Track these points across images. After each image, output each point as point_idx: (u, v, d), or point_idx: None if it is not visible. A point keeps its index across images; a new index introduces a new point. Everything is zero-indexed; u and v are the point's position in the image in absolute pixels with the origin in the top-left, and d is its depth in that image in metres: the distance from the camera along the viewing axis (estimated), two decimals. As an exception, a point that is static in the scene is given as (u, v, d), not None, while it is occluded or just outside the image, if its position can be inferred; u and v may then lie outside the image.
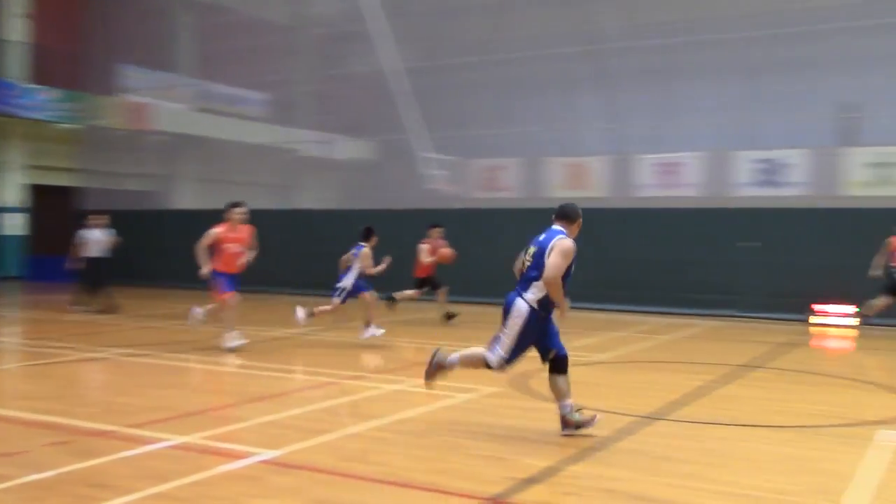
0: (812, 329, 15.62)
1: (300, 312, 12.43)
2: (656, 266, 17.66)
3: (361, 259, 12.21)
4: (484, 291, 19.30)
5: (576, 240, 6.88)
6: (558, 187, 20.57)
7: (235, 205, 11.52)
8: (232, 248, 11.30)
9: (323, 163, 25.44)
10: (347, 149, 25.41)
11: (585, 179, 20.33)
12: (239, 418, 7.35)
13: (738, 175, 18.78)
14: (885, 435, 7.10)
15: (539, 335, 6.86)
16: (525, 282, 6.82)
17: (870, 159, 17.54)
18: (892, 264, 14.12)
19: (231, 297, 11.33)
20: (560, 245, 6.68)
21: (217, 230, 11.28)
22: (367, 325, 12.17)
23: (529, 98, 21.50)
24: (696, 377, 9.87)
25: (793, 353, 12.58)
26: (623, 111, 20.33)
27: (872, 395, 9.23)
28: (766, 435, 7.19)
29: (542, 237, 6.90)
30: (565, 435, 6.85)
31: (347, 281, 12.23)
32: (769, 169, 18.53)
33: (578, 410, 6.92)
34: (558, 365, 6.92)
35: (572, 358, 11.50)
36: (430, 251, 15.42)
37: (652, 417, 7.66)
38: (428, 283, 15.54)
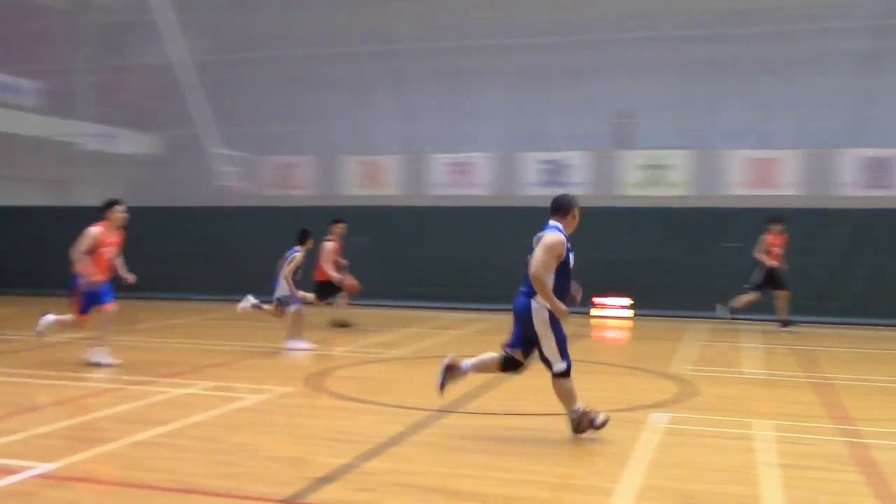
0: (593, 321, 16.57)
1: (299, 345, 11.62)
2: (450, 263, 18.09)
3: (290, 263, 11.63)
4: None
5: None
6: (354, 185, 20.63)
7: (116, 202, 10.25)
8: (107, 252, 10.08)
9: (106, 157, 24.07)
10: (133, 143, 24.19)
11: (380, 178, 20.50)
12: (10, 431, 6.82)
13: (525, 175, 19.56)
14: (656, 417, 7.65)
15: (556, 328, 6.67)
16: (528, 283, 6.63)
17: (642, 161, 18.84)
18: (765, 261, 14.93)
19: (111, 307, 10.11)
20: (546, 239, 6.54)
21: (97, 231, 10.00)
22: (294, 335, 11.71)
23: (323, 95, 21.38)
24: (487, 370, 10.19)
25: (575, 343, 13.18)
26: (417, 111, 20.67)
27: (645, 380, 9.90)
28: (552, 423, 7.54)
29: (538, 235, 6.75)
30: (439, 384, 7.02)
31: (282, 290, 11.66)
32: (553, 169, 19.45)
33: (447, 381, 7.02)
34: (511, 364, 6.92)
35: (366, 355, 11.60)
36: (337, 250, 14.14)
37: (445, 411, 7.84)
38: (329, 288, 14.12)
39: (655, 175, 18.77)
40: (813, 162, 17.97)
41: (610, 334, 15.33)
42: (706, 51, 18.79)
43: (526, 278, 6.64)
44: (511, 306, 6.86)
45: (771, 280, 14.76)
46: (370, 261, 18.77)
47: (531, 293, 6.61)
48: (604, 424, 6.74)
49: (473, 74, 20.30)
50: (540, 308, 6.58)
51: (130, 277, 10.39)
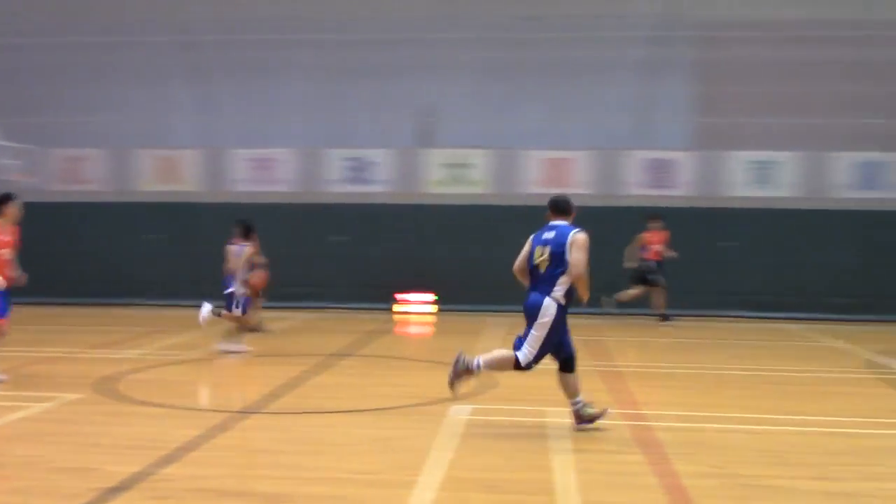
0: (396, 316, 16.74)
1: (205, 310, 11.34)
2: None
3: (244, 259, 11.41)
4: (67, 291, 17.96)
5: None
6: (149, 180, 19.72)
7: (9, 197, 8.98)
8: (3, 254, 8.80)
9: None
10: None
11: (177, 173, 19.73)
12: None
13: (329, 172, 19.46)
14: (456, 410, 7.82)
15: (563, 332, 6.98)
16: (548, 281, 6.87)
17: (444, 160, 19.22)
18: (645, 257, 15.72)
19: (5, 322, 8.82)
20: (578, 240, 6.88)
21: None
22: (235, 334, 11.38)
23: (116, 85, 20.28)
24: (291, 369, 10.06)
25: (379, 339, 13.36)
26: (217, 104, 20.05)
27: (446, 374, 10.10)
28: (355, 419, 7.56)
29: (548, 235, 6.99)
30: (579, 429, 7.02)
31: (239, 288, 11.36)
32: (358, 167, 19.45)
33: (589, 404, 7.14)
34: (568, 364, 7.07)
35: (161, 357, 11.16)
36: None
37: (246, 412, 7.66)
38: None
39: (457, 173, 19.20)
40: (602, 162, 18.98)
41: (413, 329, 15.54)
42: (505, 53, 19.41)
43: (545, 278, 6.90)
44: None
45: (638, 275, 15.68)
46: (167, 259, 18.08)
47: (547, 292, 6.87)
48: (452, 384, 7.17)
49: (276, 68, 19.94)
50: (550, 306, 6.85)
51: (22, 278, 9.27)
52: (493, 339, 13.31)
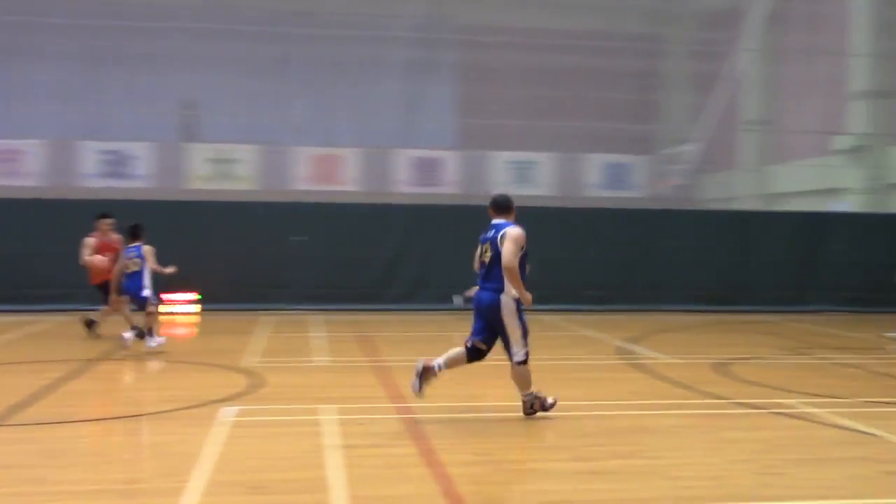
0: (161, 317, 16.01)
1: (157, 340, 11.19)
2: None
3: (148, 258, 11.28)
4: None
5: None
6: None
7: None
8: None
9: None
10: None
11: None
12: None
13: (83, 165, 18.35)
14: (226, 411, 7.62)
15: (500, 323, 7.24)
16: (495, 278, 7.17)
17: (209, 155, 18.66)
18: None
19: None
20: (510, 233, 7.13)
21: None
22: (150, 332, 11.24)
23: None
24: (41, 376, 9.38)
25: (140, 342, 12.72)
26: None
27: (215, 375, 9.82)
28: (114, 427, 7.17)
29: (489, 233, 7.28)
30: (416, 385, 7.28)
31: (148, 288, 11.33)
32: (116, 160, 18.51)
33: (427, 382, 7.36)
34: (472, 354, 7.37)
35: None
36: (101, 248, 12.39)
37: (-11, 425, 7.05)
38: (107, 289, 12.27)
39: (223, 169, 18.71)
40: (371, 160, 19.21)
41: (177, 330, 14.95)
42: (273, 48, 19.17)
43: (490, 275, 7.22)
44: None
45: None
46: None
47: (499, 289, 7.17)
48: (552, 406, 7.48)
49: (22, 53, 18.53)
50: (508, 301, 7.16)
51: None
52: (261, 338, 13.09)
